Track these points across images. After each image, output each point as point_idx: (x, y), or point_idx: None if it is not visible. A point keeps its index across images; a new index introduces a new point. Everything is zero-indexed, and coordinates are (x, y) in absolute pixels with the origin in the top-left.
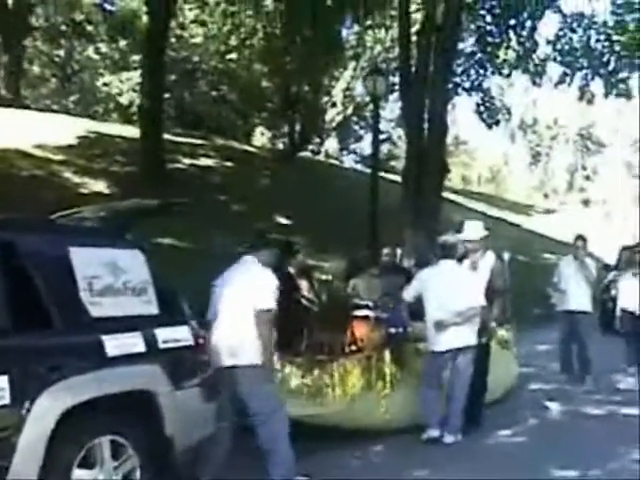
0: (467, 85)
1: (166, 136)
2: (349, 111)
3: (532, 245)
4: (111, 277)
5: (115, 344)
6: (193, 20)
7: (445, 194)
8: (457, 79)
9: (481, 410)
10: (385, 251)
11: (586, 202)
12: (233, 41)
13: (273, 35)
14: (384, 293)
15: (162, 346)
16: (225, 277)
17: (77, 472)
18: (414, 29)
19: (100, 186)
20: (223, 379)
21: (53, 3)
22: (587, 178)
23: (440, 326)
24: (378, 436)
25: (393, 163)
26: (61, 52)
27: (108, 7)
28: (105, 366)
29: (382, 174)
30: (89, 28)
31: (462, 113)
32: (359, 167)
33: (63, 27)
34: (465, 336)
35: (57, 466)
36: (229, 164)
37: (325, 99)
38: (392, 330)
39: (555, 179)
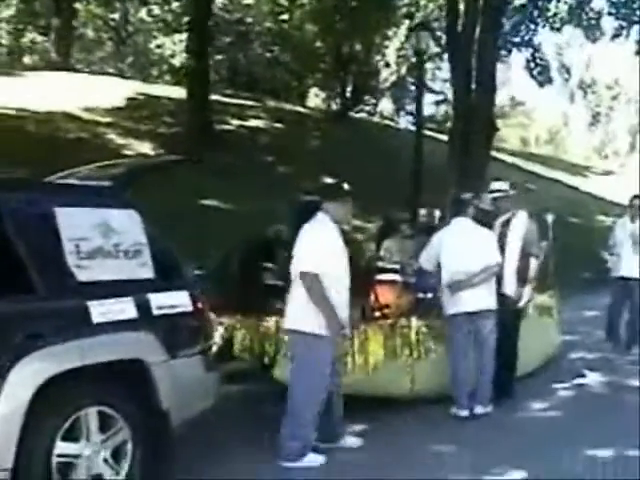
0: (517, 40)
1: (216, 97)
2: (403, 71)
3: (588, 207)
4: (101, 239)
5: (102, 310)
6: None
7: (501, 155)
8: (506, 34)
9: (512, 380)
10: (422, 212)
11: None
12: (284, 1)
13: None
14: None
15: (156, 312)
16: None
17: (61, 445)
18: None
19: (145, 147)
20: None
21: None
22: None
23: (453, 288)
24: (403, 406)
25: (450, 124)
26: (115, 15)
27: None
28: (91, 333)
29: (437, 135)
30: None
31: (519, 73)
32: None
33: None
34: (483, 298)
35: (38, 439)
36: (279, 125)
37: (378, 59)
38: (421, 295)
39: (616, 141)
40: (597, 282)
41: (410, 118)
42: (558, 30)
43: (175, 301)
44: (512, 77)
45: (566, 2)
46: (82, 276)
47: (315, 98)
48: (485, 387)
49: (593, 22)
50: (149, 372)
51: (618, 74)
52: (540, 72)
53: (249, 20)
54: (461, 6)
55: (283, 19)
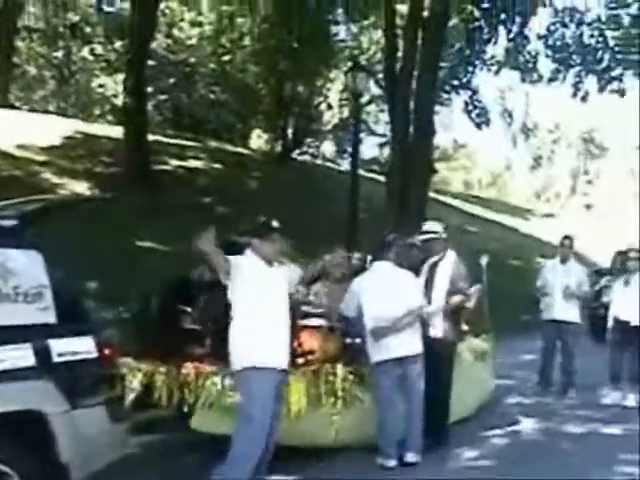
0: (455, 83)
1: (156, 137)
2: (345, 113)
3: (527, 249)
4: None
5: None
6: (189, 21)
7: (443, 198)
8: (444, 77)
9: (445, 427)
10: (356, 255)
11: (588, 206)
12: (227, 42)
13: (265, 35)
14: None
15: (57, 359)
16: None
17: None
18: (400, 22)
19: (81, 187)
20: None
21: (49, 4)
22: (589, 182)
23: (377, 335)
24: (327, 456)
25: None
26: (58, 54)
27: (105, 7)
28: None
29: (380, 177)
30: (87, 29)
31: (461, 116)
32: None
33: (60, 29)
34: (408, 343)
35: None
36: (218, 166)
37: (320, 101)
38: (349, 341)
39: (558, 183)
40: (534, 325)
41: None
42: (496, 73)
43: (78, 347)
44: (455, 120)
45: (504, 45)
46: None
47: (258, 140)
48: (415, 434)
49: (530, 65)
50: (47, 424)
51: (558, 118)
52: (478, 114)
53: (192, 61)
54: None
55: (225, 60)
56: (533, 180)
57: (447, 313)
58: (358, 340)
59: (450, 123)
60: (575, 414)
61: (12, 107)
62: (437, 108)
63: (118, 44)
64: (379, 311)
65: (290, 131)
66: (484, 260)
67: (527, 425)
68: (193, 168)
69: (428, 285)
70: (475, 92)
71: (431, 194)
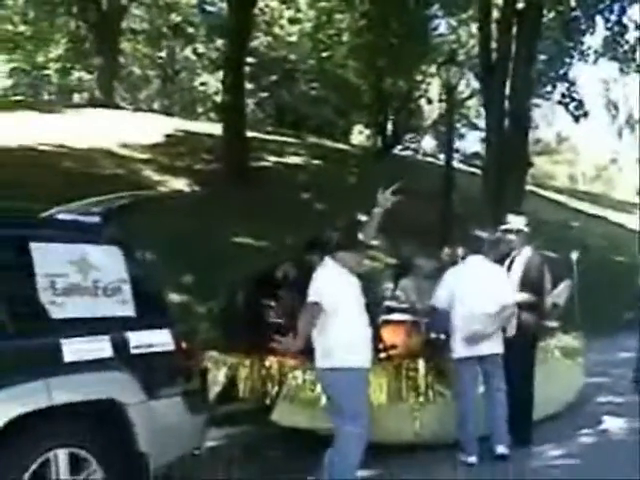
0: (552, 75)
1: (255, 134)
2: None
3: (633, 245)
4: (79, 275)
5: (75, 348)
6: (288, 18)
7: (547, 193)
8: (541, 69)
9: (528, 425)
10: (445, 250)
11: None
12: (326, 39)
13: (364, 30)
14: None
15: (134, 351)
16: None
17: None
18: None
19: (180, 184)
20: None
21: (152, 6)
22: None
23: (470, 340)
24: (407, 452)
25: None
26: (162, 54)
27: (207, 7)
28: (61, 372)
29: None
30: (189, 29)
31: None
32: (461, 166)
33: (164, 29)
34: (491, 342)
35: None
36: (317, 162)
37: (420, 96)
38: (433, 336)
39: None
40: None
41: (455, 155)
42: (594, 63)
43: (156, 340)
44: (557, 113)
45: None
46: (56, 313)
47: (359, 135)
48: (501, 429)
49: (629, 55)
50: (124, 413)
51: None
52: (576, 107)
53: (293, 57)
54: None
55: (324, 56)
56: None
57: (521, 310)
58: (442, 336)
59: (553, 117)
60: None
61: (117, 107)
62: (539, 101)
63: (219, 42)
64: (472, 305)
65: (390, 126)
66: (574, 255)
67: (615, 424)
68: (292, 164)
69: None
70: (572, 84)
71: (534, 188)
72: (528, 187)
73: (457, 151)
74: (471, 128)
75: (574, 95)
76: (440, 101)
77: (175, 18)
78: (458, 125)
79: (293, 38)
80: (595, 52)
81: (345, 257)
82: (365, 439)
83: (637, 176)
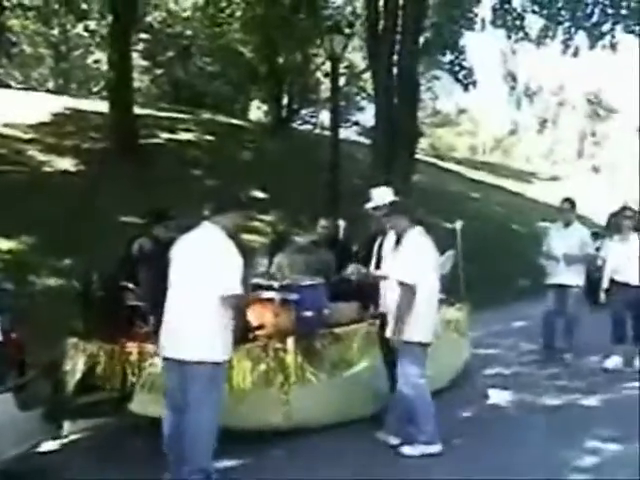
0: (440, 43)
1: (147, 111)
2: (341, 81)
3: (532, 214)
4: None
5: None
6: None
7: (446, 164)
8: (428, 37)
9: None
10: (321, 222)
11: (596, 169)
12: (218, 13)
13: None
14: (312, 271)
15: None
16: (181, 246)
17: None
18: None
19: (66, 164)
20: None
21: None
22: (596, 144)
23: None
24: (278, 439)
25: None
26: (55, 31)
27: None
28: None
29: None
30: (83, 6)
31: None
32: (361, 139)
33: (55, 6)
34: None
35: None
36: (210, 138)
37: (315, 69)
38: (306, 314)
39: (563, 146)
40: (534, 290)
41: (355, 128)
42: (481, 31)
43: None
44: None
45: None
46: None
47: (257, 111)
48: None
49: (517, 22)
50: None
51: (563, 80)
52: (465, 75)
53: (188, 33)
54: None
55: (219, 31)
56: (539, 144)
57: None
58: (312, 313)
59: (452, 88)
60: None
61: (4, 86)
62: (438, 73)
63: (111, 18)
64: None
65: (285, 101)
66: (458, 225)
67: (501, 397)
68: (184, 141)
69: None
70: (461, 52)
71: (434, 160)
72: (429, 159)
73: (357, 124)
74: (371, 101)
75: (463, 63)
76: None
77: None
78: (357, 98)
79: (187, 13)
80: (482, 20)
81: (223, 219)
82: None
83: (534, 147)
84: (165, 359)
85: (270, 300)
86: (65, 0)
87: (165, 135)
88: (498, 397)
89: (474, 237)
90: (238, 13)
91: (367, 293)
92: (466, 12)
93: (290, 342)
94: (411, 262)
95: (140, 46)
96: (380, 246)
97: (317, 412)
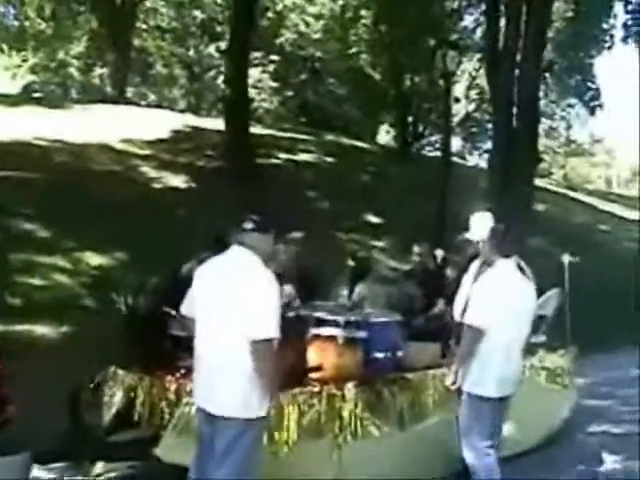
0: (565, 65)
1: (269, 131)
2: (471, 106)
3: None
4: None
5: None
6: (313, 14)
7: (579, 195)
8: (552, 57)
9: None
10: (415, 250)
11: None
12: (347, 34)
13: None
14: (392, 305)
15: None
16: (206, 273)
17: None
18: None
19: (177, 181)
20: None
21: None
22: None
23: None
24: None
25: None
26: (190, 52)
27: None
28: None
29: None
30: (218, 28)
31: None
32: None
33: (192, 28)
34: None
35: None
36: (330, 160)
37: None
38: (376, 355)
39: None
40: None
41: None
42: (609, 49)
43: None
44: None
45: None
46: None
47: (387, 136)
48: None
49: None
50: None
51: None
52: (591, 97)
53: (318, 55)
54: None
55: (349, 53)
56: None
57: None
58: (389, 354)
59: (587, 118)
60: None
61: (128, 103)
62: (572, 101)
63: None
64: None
65: (412, 125)
66: (566, 259)
67: (605, 463)
68: (302, 162)
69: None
70: (587, 73)
71: (564, 191)
72: (560, 189)
73: (487, 151)
74: None
75: (589, 85)
76: (467, 98)
77: (200, 15)
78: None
79: (317, 35)
80: (611, 37)
81: (257, 240)
82: None
83: None
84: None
85: (332, 338)
86: (201, 22)
87: (284, 155)
88: (602, 462)
89: (594, 272)
90: (365, 36)
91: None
92: (595, 28)
93: (349, 387)
94: (484, 299)
95: (270, 67)
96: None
97: (376, 470)
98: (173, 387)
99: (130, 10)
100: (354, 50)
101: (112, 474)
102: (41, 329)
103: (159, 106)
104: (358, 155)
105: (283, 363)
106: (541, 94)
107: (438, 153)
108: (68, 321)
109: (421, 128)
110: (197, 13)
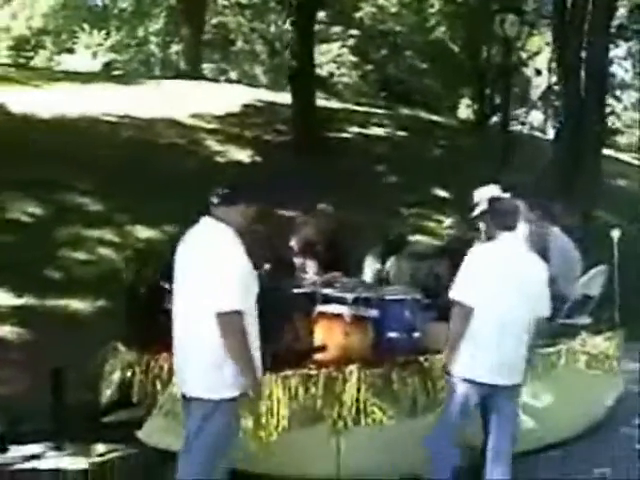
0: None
1: (343, 105)
2: (553, 79)
3: None
4: None
5: None
6: None
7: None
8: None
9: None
10: (446, 222)
11: None
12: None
13: None
14: (420, 282)
15: None
16: (181, 248)
17: None
18: None
19: (242, 155)
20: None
21: None
22: None
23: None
24: None
25: (617, 138)
26: (271, 28)
27: None
28: None
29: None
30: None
31: None
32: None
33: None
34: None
35: None
36: (402, 134)
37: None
38: (390, 335)
39: None
40: None
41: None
42: None
43: None
44: None
45: None
46: None
47: (467, 110)
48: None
49: None
50: None
51: None
52: None
53: (398, 29)
54: None
55: (428, 27)
56: None
57: None
58: (403, 335)
59: None
60: None
61: (203, 79)
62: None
63: (321, 14)
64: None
65: (489, 98)
66: (616, 234)
67: None
68: (373, 136)
69: None
70: None
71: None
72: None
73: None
74: None
75: None
76: (549, 71)
77: None
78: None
79: (394, 9)
80: None
81: (225, 213)
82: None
83: None
84: None
85: (338, 316)
86: None
87: (355, 129)
88: None
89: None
90: (442, 7)
91: None
92: None
93: (352, 370)
94: (471, 273)
95: (350, 42)
96: None
97: (378, 459)
98: (166, 365)
99: None
100: (432, 22)
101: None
102: (77, 304)
103: (239, 82)
104: (431, 129)
105: (285, 342)
106: (628, 65)
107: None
108: (105, 296)
109: (498, 101)
110: None
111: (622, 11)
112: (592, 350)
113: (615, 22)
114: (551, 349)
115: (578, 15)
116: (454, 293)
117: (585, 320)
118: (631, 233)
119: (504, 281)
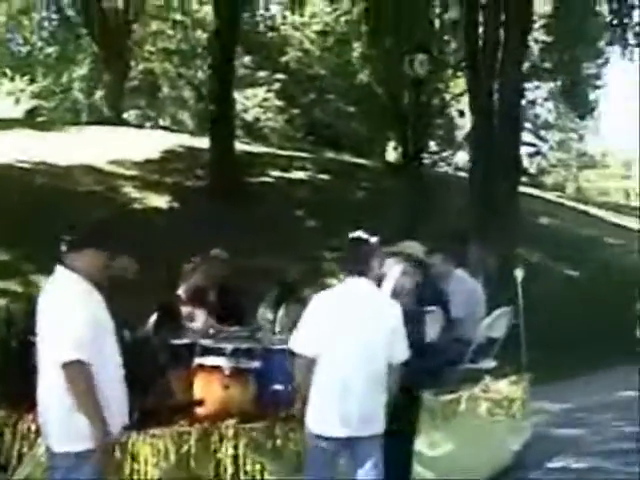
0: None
1: (264, 149)
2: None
3: None
4: None
5: None
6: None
7: (591, 209)
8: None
9: None
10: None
11: None
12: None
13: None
14: None
15: None
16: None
17: None
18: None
19: (160, 201)
20: None
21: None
22: None
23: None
24: None
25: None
26: (198, 74)
27: None
28: None
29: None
30: None
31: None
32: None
33: (199, 49)
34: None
35: None
36: (324, 177)
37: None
38: (275, 387)
39: None
40: None
41: None
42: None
43: None
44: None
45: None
46: None
47: (395, 153)
48: None
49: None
50: None
51: None
52: (581, 102)
53: (322, 72)
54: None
55: (352, 70)
56: None
57: None
58: (286, 387)
59: (596, 128)
60: None
61: (124, 124)
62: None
63: (247, 59)
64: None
65: (412, 141)
66: (519, 274)
67: None
68: (295, 179)
69: None
70: (576, 75)
71: (574, 204)
72: (571, 203)
73: None
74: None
75: (578, 89)
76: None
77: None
78: None
79: (318, 53)
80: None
81: (72, 259)
82: None
83: None
84: None
85: (217, 368)
86: (208, 43)
87: (277, 173)
88: None
89: (589, 286)
90: (364, 51)
91: None
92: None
93: (228, 425)
94: (310, 324)
95: (276, 86)
96: None
97: None
98: (34, 426)
99: (125, 31)
100: (356, 66)
101: None
102: None
103: (165, 128)
104: (354, 172)
105: (157, 396)
106: (551, 106)
107: (446, 168)
108: None
109: (423, 143)
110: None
111: (534, 50)
112: (495, 396)
113: (526, 63)
114: (451, 396)
115: (489, 57)
116: (293, 344)
117: (490, 364)
118: (554, 270)
119: (348, 329)
